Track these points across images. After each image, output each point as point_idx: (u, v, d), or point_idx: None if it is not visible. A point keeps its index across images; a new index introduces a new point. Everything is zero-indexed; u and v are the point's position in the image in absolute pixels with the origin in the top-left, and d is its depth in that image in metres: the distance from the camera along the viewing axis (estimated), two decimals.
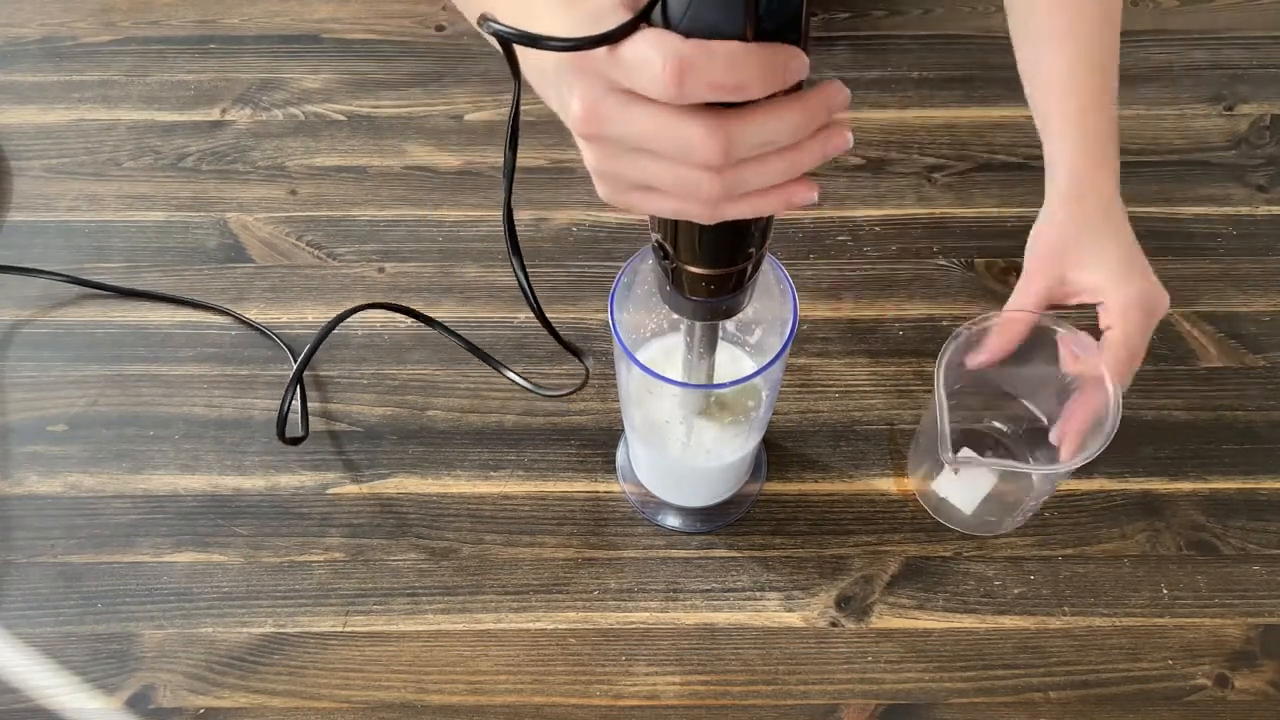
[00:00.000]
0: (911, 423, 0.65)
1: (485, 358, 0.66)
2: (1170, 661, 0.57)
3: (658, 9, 0.30)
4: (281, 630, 0.58)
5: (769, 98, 0.31)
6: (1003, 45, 0.61)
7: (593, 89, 0.32)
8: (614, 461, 0.64)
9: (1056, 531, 0.61)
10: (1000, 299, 0.60)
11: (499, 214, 0.73)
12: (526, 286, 0.43)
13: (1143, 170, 0.75)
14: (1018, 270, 0.58)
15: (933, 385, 0.53)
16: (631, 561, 0.60)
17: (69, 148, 0.78)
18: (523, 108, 0.37)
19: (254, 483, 0.63)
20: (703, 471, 0.57)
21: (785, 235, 0.73)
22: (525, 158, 0.76)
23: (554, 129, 0.76)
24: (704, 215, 0.34)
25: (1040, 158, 0.58)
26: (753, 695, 0.56)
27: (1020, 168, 0.75)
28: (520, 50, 0.34)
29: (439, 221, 0.74)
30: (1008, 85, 0.79)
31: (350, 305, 0.67)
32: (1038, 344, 0.57)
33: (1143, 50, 0.82)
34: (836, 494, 0.62)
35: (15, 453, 0.64)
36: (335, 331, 0.67)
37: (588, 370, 0.55)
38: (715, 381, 0.49)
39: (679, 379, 0.49)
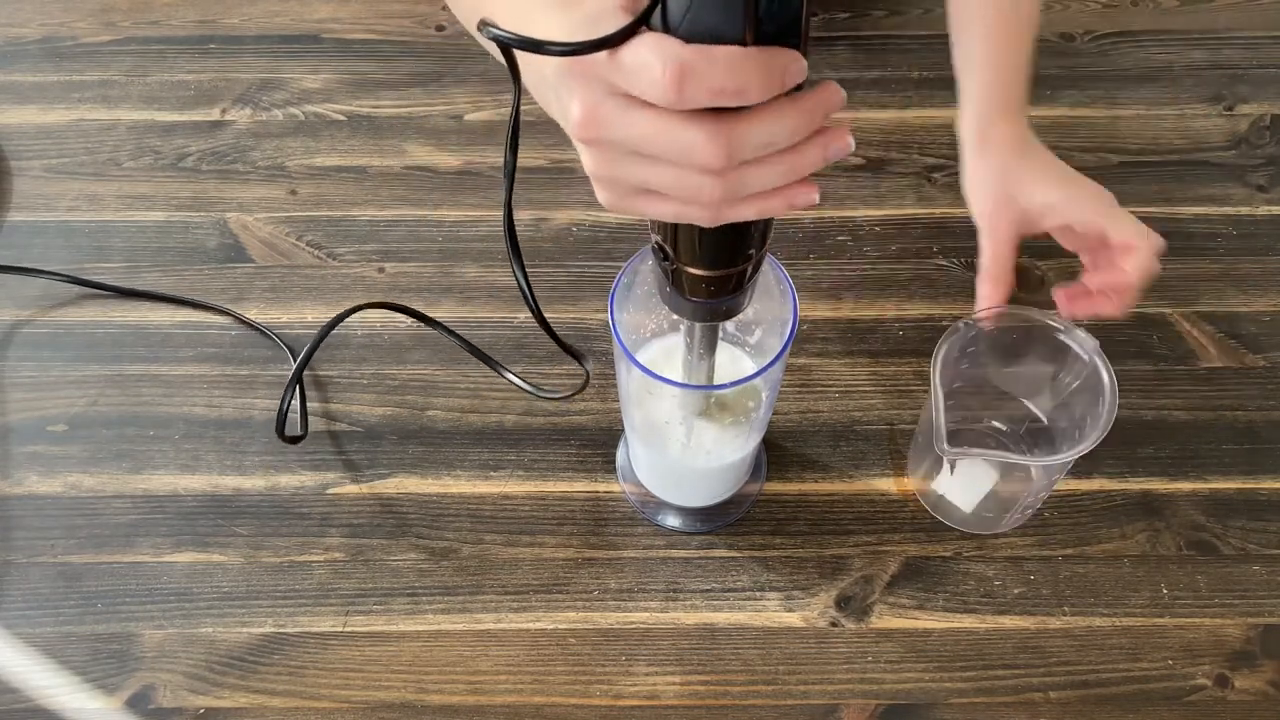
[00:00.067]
0: (911, 423, 0.65)
1: (485, 359, 0.66)
2: (1170, 661, 0.57)
3: (657, 12, 0.30)
4: (281, 630, 0.58)
5: (768, 100, 0.31)
6: None
7: (592, 93, 0.32)
8: (614, 461, 0.64)
9: (1056, 531, 0.61)
10: None
11: (499, 214, 0.73)
12: (526, 290, 0.43)
13: (1143, 170, 0.75)
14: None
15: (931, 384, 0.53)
16: (631, 561, 0.60)
17: (69, 148, 0.78)
18: (523, 109, 0.37)
19: (254, 483, 0.63)
20: (703, 472, 0.57)
21: (785, 235, 0.73)
22: (525, 158, 0.76)
23: (554, 129, 0.75)
24: (706, 219, 0.34)
25: None
26: (753, 695, 0.56)
27: None
28: (520, 56, 0.34)
29: (439, 221, 0.74)
30: None
31: (350, 305, 0.67)
32: (1037, 344, 0.57)
33: (1143, 50, 0.82)
34: (836, 494, 0.63)
35: (15, 453, 0.65)
36: (335, 331, 0.67)
37: (588, 373, 0.55)
38: (715, 382, 0.49)
39: (679, 380, 0.49)
